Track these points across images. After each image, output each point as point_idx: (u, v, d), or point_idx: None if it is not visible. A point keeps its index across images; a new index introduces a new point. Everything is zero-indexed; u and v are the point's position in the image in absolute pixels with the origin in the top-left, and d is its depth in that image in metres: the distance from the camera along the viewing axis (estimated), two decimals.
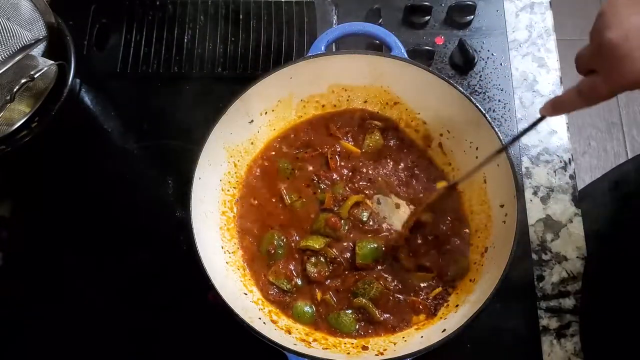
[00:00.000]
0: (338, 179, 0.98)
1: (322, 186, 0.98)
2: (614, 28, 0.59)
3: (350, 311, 0.89)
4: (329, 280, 0.91)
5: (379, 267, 0.92)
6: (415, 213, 0.94)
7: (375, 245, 0.92)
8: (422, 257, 0.92)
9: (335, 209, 0.95)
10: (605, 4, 0.62)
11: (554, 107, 0.72)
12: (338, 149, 1.01)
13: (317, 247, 0.91)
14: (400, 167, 1.00)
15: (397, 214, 0.95)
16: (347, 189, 0.97)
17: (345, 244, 0.93)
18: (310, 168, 1.00)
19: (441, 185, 0.97)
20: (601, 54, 0.61)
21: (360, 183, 0.98)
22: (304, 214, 0.96)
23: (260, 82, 0.92)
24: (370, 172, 0.99)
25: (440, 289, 0.90)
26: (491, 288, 0.77)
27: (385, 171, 0.99)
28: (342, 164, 1.00)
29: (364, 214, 0.94)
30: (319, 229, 0.93)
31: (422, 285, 0.91)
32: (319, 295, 0.91)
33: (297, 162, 1.00)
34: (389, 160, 1.00)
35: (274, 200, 0.98)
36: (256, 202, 0.98)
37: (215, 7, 1.16)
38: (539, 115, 0.75)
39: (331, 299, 0.90)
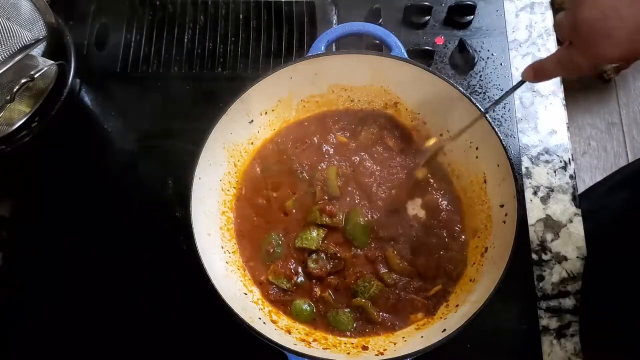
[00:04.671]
0: (325, 166, 0.98)
1: (304, 174, 0.98)
2: (591, 6, 0.60)
3: (348, 310, 0.89)
4: (331, 277, 0.92)
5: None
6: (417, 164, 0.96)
7: (363, 222, 0.93)
8: (414, 260, 0.92)
9: (326, 197, 0.95)
10: None
11: (535, 73, 0.73)
12: (331, 141, 1.01)
13: (314, 247, 0.92)
14: (399, 166, 1.00)
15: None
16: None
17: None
18: (304, 162, 1.00)
19: (431, 142, 0.98)
20: (579, 30, 0.62)
21: (346, 168, 0.98)
22: (300, 211, 0.96)
23: (260, 82, 0.92)
24: (368, 165, 0.99)
25: (439, 286, 0.90)
26: (491, 288, 0.77)
27: (383, 167, 0.99)
28: (332, 152, 1.00)
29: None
30: (314, 220, 0.93)
31: (419, 284, 0.91)
32: (318, 292, 0.91)
33: (288, 162, 1.00)
34: (384, 154, 1.00)
35: (272, 200, 0.98)
36: (255, 201, 0.98)
37: (215, 7, 1.16)
38: (523, 72, 0.75)
39: (330, 297, 0.91)
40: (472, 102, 0.89)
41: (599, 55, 0.62)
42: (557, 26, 0.68)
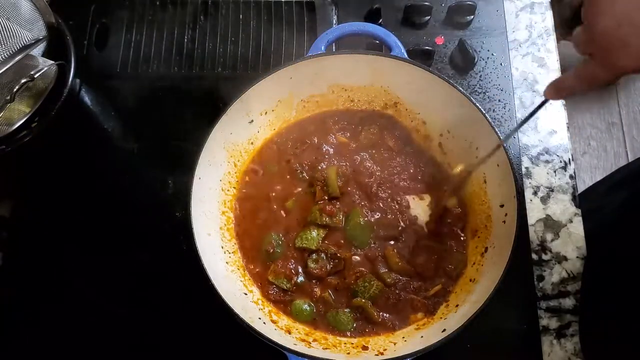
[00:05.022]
0: (325, 166, 0.98)
1: (303, 174, 0.98)
2: (605, 16, 0.59)
3: (348, 310, 0.90)
4: (331, 277, 0.92)
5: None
6: (440, 199, 0.94)
7: (363, 222, 0.93)
8: (413, 260, 0.92)
9: (326, 197, 0.96)
10: None
11: (556, 90, 0.72)
12: (331, 141, 1.01)
13: (314, 247, 0.92)
14: (398, 166, 1.00)
15: (419, 206, 0.96)
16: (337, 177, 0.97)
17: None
18: (304, 162, 1.00)
19: (458, 168, 0.96)
20: (595, 41, 0.62)
21: (346, 167, 0.98)
22: (300, 211, 0.96)
23: (260, 82, 0.92)
24: (368, 165, 0.99)
25: (439, 286, 0.90)
26: (491, 288, 0.77)
27: (383, 167, 0.99)
28: (332, 152, 1.00)
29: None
30: (314, 220, 0.94)
31: (419, 284, 0.91)
32: (318, 292, 0.91)
33: (288, 162, 1.00)
34: (384, 154, 1.00)
35: (272, 200, 0.98)
36: (255, 202, 0.98)
37: (215, 7, 1.16)
38: (545, 91, 0.74)
39: (330, 297, 0.91)
40: (472, 102, 0.89)
41: (617, 65, 0.61)
42: (574, 41, 0.67)
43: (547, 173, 1.04)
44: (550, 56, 1.13)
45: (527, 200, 1.02)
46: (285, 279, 0.91)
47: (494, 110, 1.08)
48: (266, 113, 1.00)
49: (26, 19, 0.95)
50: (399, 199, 0.96)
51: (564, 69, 1.11)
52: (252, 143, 1.01)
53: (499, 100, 1.09)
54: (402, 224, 0.95)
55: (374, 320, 0.88)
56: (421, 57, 1.09)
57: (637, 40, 0.58)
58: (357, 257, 0.93)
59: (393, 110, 1.03)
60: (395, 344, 0.86)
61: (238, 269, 0.92)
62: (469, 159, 0.94)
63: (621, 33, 0.58)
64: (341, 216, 0.95)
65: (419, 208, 0.96)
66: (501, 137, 0.86)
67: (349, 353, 0.85)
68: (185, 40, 1.14)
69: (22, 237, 1.02)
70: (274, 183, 0.99)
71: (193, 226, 0.83)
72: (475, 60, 1.10)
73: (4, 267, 0.99)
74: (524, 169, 1.05)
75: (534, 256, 0.98)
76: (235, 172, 0.99)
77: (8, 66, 0.85)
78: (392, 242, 0.94)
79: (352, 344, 0.87)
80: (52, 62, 0.93)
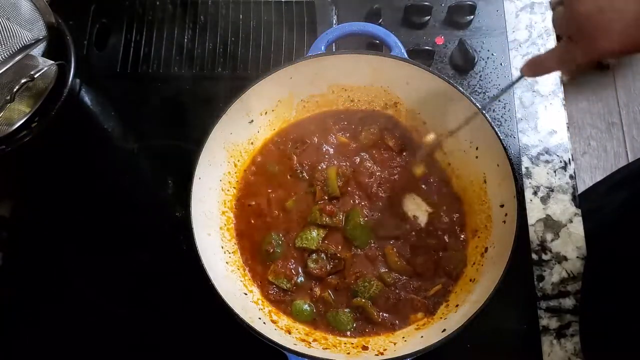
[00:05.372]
0: (325, 166, 0.98)
1: (303, 174, 0.98)
2: (587, 0, 0.59)
3: (348, 310, 0.90)
4: (331, 276, 0.92)
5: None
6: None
7: (363, 222, 0.94)
8: (413, 260, 0.92)
9: (326, 197, 0.96)
10: None
11: (533, 67, 0.73)
12: (331, 141, 1.01)
13: (314, 247, 0.92)
14: (399, 166, 1.00)
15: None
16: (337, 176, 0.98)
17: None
18: (304, 162, 1.00)
19: (430, 137, 0.97)
20: (576, 24, 0.62)
21: (347, 167, 0.99)
22: (300, 211, 0.96)
23: (260, 82, 0.92)
24: (369, 165, 0.99)
25: (439, 286, 0.90)
26: (491, 288, 0.77)
27: (383, 167, 0.99)
28: (332, 152, 1.00)
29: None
30: (314, 220, 0.94)
31: (418, 284, 0.91)
32: (318, 292, 0.91)
33: (288, 162, 1.00)
34: (384, 154, 1.00)
35: (272, 200, 0.98)
36: (255, 202, 0.98)
37: (215, 7, 1.16)
38: (522, 67, 0.75)
39: (330, 297, 0.91)
40: (472, 102, 0.89)
41: (597, 49, 0.61)
42: (554, 22, 0.68)
43: (547, 173, 1.04)
44: None
45: (527, 200, 1.02)
46: (285, 279, 0.91)
47: (494, 110, 1.08)
48: (266, 113, 1.00)
49: (26, 19, 0.94)
50: (399, 199, 0.96)
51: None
52: (252, 143, 1.01)
53: (499, 100, 1.08)
54: (402, 223, 0.95)
55: (374, 320, 0.88)
56: (421, 57, 1.09)
57: (619, 25, 0.58)
58: (357, 257, 0.93)
59: (393, 110, 1.03)
60: (395, 344, 0.86)
61: (238, 269, 0.92)
62: (468, 159, 0.95)
63: (603, 18, 0.58)
64: (341, 216, 0.95)
65: (419, 208, 0.97)
66: (501, 138, 0.86)
67: (349, 353, 0.85)
68: (185, 40, 1.14)
69: (22, 237, 1.02)
70: (274, 183, 0.99)
71: (193, 226, 0.83)
72: (475, 60, 1.10)
73: (4, 267, 0.99)
74: (524, 169, 1.05)
75: (534, 256, 0.98)
76: (235, 172, 0.99)
77: (8, 66, 0.85)
78: (392, 242, 0.94)
79: (352, 344, 0.87)
80: (52, 62, 0.93)
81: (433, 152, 0.98)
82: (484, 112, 0.87)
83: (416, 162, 0.97)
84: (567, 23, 0.64)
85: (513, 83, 0.79)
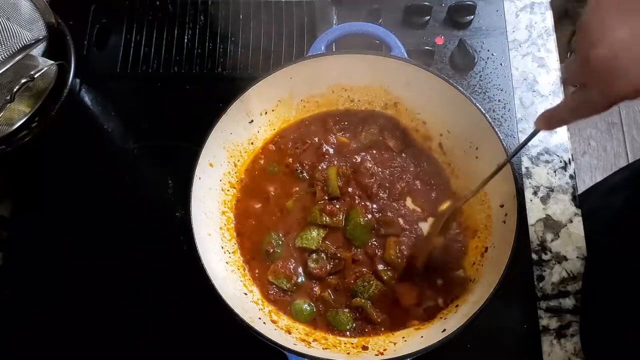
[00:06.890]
0: (325, 166, 0.98)
1: (304, 174, 0.98)
2: (600, 44, 0.57)
3: (348, 310, 0.90)
4: (331, 276, 0.92)
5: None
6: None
7: (363, 222, 0.93)
8: (410, 257, 0.92)
9: (326, 197, 0.96)
10: (589, 14, 0.59)
11: (548, 121, 0.71)
12: (331, 141, 1.01)
13: (314, 247, 0.92)
14: (399, 166, 1.00)
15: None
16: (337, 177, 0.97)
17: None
18: (304, 162, 1.00)
19: (445, 205, 0.91)
20: (591, 70, 0.59)
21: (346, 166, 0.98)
22: (300, 211, 0.96)
23: (260, 82, 0.92)
24: (369, 165, 0.99)
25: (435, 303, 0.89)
26: (491, 288, 0.77)
27: (383, 167, 0.99)
28: (332, 153, 1.00)
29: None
30: (314, 220, 0.94)
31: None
32: (318, 292, 0.91)
33: (288, 162, 1.00)
34: (384, 154, 1.00)
35: (272, 200, 0.98)
36: (255, 202, 0.98)
37: (215, 7, 1.16)
38: (536, 122, 0.72)
39: (329, 296, 0.91)
40: (472, 102, 0.89)
41: (613, 93, 0.59)
42: (566, 70, 0.66)
43: (547, 173, 1.04)
44: (550, 56, 1.13)
45: (527, 200, 1.02)
46: (285, 279, 0.91)
47: (494, 110, 1.08)
48: (266, 113, 1.00)
49: (26, 19, 0.94)
50: (398, 199, 0.96)
51: (564, 68, 1.11)
52: (252, 143, 1.01)
53: (499, 100, 1.09)
54: (402, 223, 0.95)
55: (373, 320, 0.88)
56: (421, 57, 1.09)
57: (635, 69, 0.56)
58: (357, 257, 0.93)
59: (393, 110, 1.03)
60: (395, 344, 0.86)
61: (238, 269, 0.92)
62: (468, 159, 0.94)
63: (619, 63, 0.56)
64: (341, 216, 0.95)
65: (419, 208, 0.97)
66: (501, 138, 0.86)
67: (349, 353, 0.85)
68: (185, 40, 1.14)
69: (22, 237, 1.02)
70: (274, 183, 0.99)
71: (193, 226, 0.83)
72: (475, 60, 1.10)
73: (4, 267, 0.99)
74: (524, 169, 1.05)
75: (534, 256, 0.98)
76: (235, 172, 0.99)
77: (8, 66, 0.85)
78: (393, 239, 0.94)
79: (352, 344, 0.87)
80: (52, 62, 0.93)
81: (451, 222, 0.92)
82: (486, 115, 0.87)
83: (434, 235, 0.90)
84: (581, 70, 0.62)
85: (529, 138, 0.76)
